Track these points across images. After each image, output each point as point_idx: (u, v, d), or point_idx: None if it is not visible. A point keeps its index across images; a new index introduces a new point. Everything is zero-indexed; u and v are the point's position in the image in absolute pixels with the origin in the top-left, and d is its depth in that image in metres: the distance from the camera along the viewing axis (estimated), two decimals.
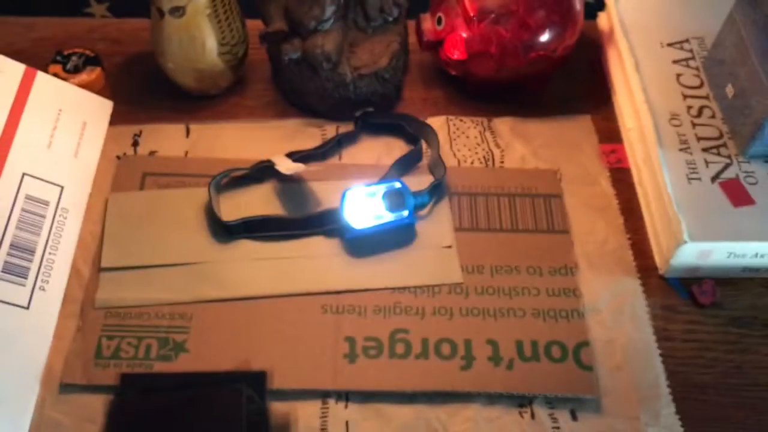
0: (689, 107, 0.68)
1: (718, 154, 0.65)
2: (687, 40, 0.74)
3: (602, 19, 0.80)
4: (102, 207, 0.65)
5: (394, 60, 0.71)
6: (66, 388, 0.55)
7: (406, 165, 0.68)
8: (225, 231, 0.63)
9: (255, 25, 0.71)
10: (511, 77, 0.70)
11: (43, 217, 0.62)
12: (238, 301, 0.59)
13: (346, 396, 0.56)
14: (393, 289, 0.61)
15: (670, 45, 0.74)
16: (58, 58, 0.74)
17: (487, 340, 0.58)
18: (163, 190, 0.66)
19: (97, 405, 0.54)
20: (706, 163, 0.64)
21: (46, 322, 0.58)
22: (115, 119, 0.71)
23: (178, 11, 0.64)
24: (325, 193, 0.66)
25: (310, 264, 0.62)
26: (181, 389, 0.54)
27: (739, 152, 0.65)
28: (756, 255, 0.60)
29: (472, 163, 0.69)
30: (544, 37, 0.68)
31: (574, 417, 0.55)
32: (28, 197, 0.61)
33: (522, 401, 0.56)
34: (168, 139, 0.70)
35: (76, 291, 0.60)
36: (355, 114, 0.70)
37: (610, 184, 0.68)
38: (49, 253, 0.60)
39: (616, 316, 0.60)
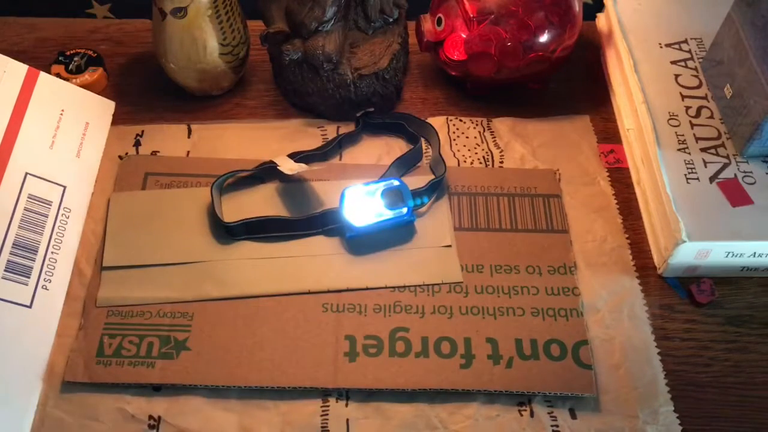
0: (688, 107, 0.69)
1: (717, 154, 0.65)
2: (685, 41, 0.74)
3: (601, 20, 0.80)
4: (104, 206, 0.65)
5: (395, 61, 0.71)
6: (68, 386, 0.55)
7: (406, 164, 0.68)
8: (226, 232, 0.63)
9: (256, 26, 0.72)
10: (511, 78, 0.71)
11: (46, 216, 0.62)
12: (239, 300, 0.60)
13: (346, 394, 0.56)
14: (393, 287, 0.61)
15: (668, 45, 0.74)
16: (61, 58, 0.74)
17: (486, 338, 0.58)
18: (165, 190, 0.66)
19: (99, 403, 0.55)
20: (705, 163, 0.65)
21: (49, 321, 0.58)
22: (117, 119, 0.72)
23: (180, 12, 0.65)
24: (326, 192, 0.66)
25: (311, 263, 0.62)
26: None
27: (737, 152, 0.65)
28: (754, 254, 0.61)
29: (471, 163, 0.70)
30: (544, 38, 0.68)
31: (573, 415, 0.55)
32: (31, 197, 0.62)
33: (521, 399, 0.56)
34: (170, 140, 0.70)
35: (79, 290, 0.60)
36: (355, 114, 0.70)
37: (609, 184, 0.69)
38: (52, 252, 0.61)
39: (615, 314, 0.60)
